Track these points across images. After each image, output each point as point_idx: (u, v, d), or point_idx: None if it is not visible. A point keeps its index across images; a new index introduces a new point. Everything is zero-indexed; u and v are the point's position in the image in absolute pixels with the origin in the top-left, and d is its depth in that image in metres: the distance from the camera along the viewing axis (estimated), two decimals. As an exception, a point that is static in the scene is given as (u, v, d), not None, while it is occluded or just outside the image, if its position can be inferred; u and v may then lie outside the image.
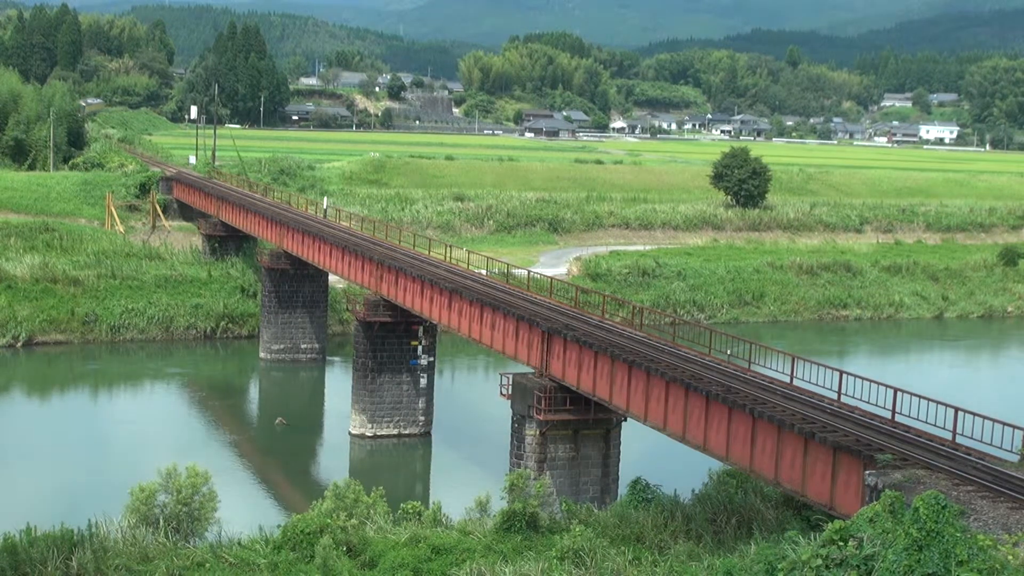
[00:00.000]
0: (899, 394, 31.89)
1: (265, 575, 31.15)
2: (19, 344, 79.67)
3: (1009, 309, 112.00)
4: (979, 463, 28.19)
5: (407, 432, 63.47)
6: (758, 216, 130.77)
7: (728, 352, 40.93)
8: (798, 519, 32.19)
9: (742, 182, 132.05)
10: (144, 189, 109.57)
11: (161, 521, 34.65)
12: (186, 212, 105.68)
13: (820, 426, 31.15)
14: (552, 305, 49.95)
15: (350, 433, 63.68)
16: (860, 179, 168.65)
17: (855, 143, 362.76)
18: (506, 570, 29.89)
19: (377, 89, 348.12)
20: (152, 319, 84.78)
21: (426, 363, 63.48)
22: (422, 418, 63.93)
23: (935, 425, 30.61)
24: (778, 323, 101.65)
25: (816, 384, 35.09)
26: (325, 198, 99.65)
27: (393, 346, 62.78)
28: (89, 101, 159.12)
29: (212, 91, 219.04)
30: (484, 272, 61.91)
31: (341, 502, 36.08)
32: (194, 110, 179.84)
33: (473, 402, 72.39)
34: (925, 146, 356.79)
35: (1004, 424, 28.90)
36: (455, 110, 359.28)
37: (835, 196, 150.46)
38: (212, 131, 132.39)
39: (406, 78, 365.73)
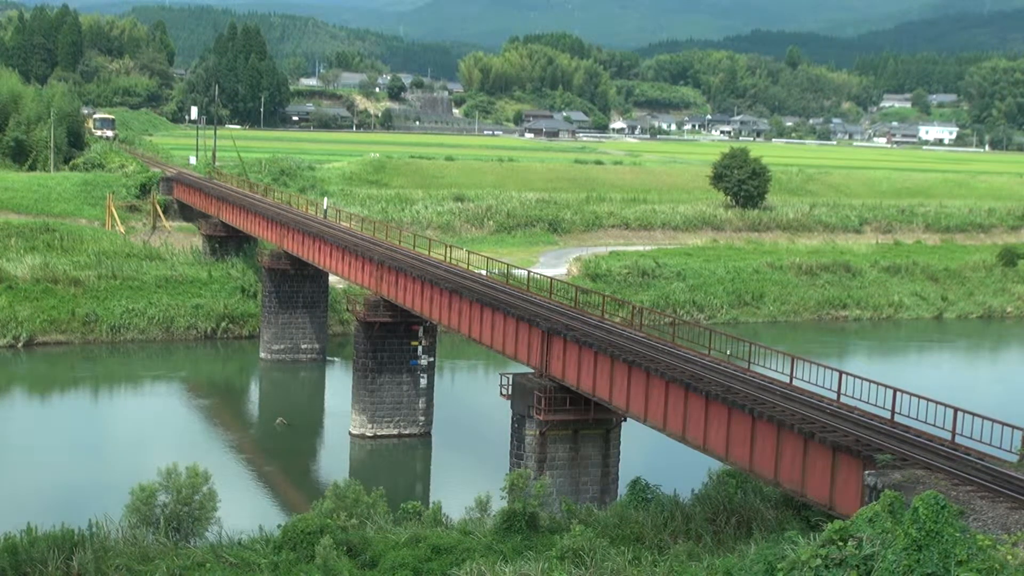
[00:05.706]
0: (898, 394, 31.91)
1: (265, 575, 31.16)
2: (20, 344, 79.74)
3: (1008, 309, 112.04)
4: (978, 463, 28.21)
5: (407, 432, 63.52)
6: (758, 216, 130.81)
7: (728, 352, 40.98)
8: (798, 519, 32.18)
9: (742, 183, 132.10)
10: (144, 190, 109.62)
11: (161, 521, 34.62)
12: (186, 212, 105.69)
13: (820, 426, 31.18)
14: (552, 305, 49.97)
15: (350, 433, 63.72)
16: (859, 180, 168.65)
17: (854, 144, 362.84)
18: (506, 570, 29.85)
19: (377, 90, 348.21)
20: (152, 319, 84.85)
21: (426, 363, 63.53)
22: (422, 418, 63.98)
23: (934, 425, 30.63)
24: (778, 323, 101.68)
25: (815, 384, 35.11)
26: (325, 198, 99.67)
27: (393, 346, 62.84)
28: (84, 112, 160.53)
29: (212, 92, 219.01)
30: (484, 272, 61.90)
31: (341, 502, 36.09)
32: (194, 111, 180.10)
33: (473, 402, 72.40)
34: (924, 147, 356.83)
35: (1003, 424, 28.92)
36: (455, 111, 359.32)
37: (834, 197, 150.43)
38: (212, 132, 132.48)
39: (406, 79, 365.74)
